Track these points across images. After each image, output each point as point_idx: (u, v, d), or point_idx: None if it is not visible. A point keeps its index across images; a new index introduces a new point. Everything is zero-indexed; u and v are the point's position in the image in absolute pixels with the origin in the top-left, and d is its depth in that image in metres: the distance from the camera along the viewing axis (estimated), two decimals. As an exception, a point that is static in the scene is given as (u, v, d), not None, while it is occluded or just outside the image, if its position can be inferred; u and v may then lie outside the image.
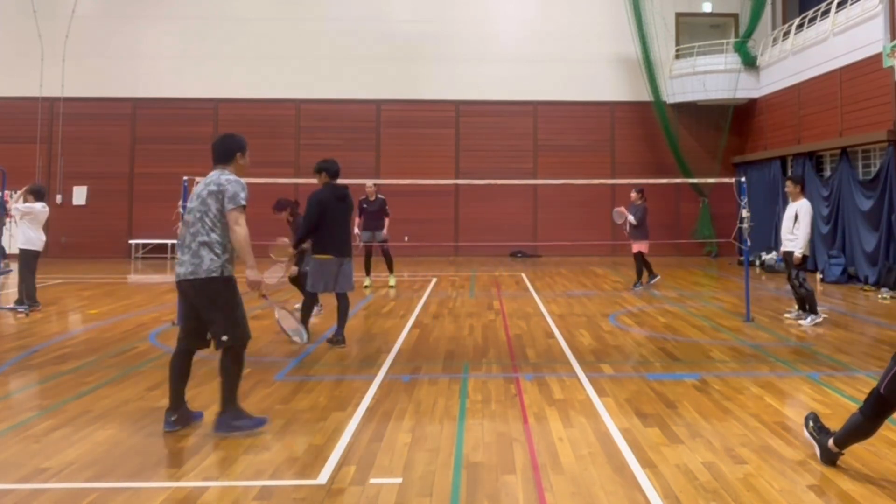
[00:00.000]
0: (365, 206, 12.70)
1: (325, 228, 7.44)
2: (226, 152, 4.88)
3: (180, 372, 4.79)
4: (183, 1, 20.56)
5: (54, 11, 20.06)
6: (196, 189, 4.76)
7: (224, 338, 4.64)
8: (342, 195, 7.64)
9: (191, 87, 20.21)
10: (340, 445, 4.49)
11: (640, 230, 12.28)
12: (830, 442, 4.12)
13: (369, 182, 13.14)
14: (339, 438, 4.61)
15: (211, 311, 4.66)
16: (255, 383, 6.01)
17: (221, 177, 4.74)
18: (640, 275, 12.45)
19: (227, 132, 5.16)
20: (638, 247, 12.33)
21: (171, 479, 3.95)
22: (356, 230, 12.51)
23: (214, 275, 4.61)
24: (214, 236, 4.64)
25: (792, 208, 9.19)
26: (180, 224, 4.82)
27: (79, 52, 19.97)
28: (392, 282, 12.92)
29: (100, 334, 8.24)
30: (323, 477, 3.99)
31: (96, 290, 12.54)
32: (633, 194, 12.50)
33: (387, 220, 12.73)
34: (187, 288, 4.69)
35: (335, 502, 3.67)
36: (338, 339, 7.54)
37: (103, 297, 11.71)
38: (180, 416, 4.77)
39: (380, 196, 12.89)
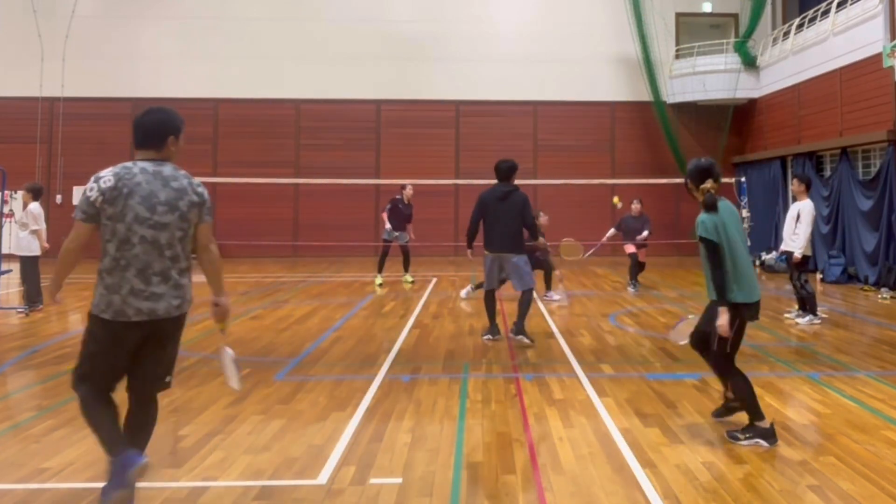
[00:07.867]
0: (401, 206, 13.27)
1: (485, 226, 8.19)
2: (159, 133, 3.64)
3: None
4: (183, 1, 20.55)
5: (54, 11, 20.03)
6: (157, 193, 3.46)
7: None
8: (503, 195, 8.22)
9: (191, 87, 20.16)
10: (340, 445, 4.49)
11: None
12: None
13: (409, 186, 13.52)
14: (339, 438, 4.61)
15: (173, 347, 3.65)
16: (255, 383, 6.01)
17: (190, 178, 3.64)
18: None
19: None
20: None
21: (171, 479, 3.95)
22: (387, 225, 13.23)
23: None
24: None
25: (795, 208, 9.17)
26: (139, 246, 3.40)
27: (79, 52, 19.94)
28: (410, 278, 13.68)
29: (100, 334, 8.23)
30: (323, 477, 3.99)
31: (96, 290, 12.51)
32: (637, 205, 12.56)
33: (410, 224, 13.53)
34: (169, 326, 3.52)
35: (335, 502, 3.67)
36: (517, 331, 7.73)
37: (103, 297, 11.68)
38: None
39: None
